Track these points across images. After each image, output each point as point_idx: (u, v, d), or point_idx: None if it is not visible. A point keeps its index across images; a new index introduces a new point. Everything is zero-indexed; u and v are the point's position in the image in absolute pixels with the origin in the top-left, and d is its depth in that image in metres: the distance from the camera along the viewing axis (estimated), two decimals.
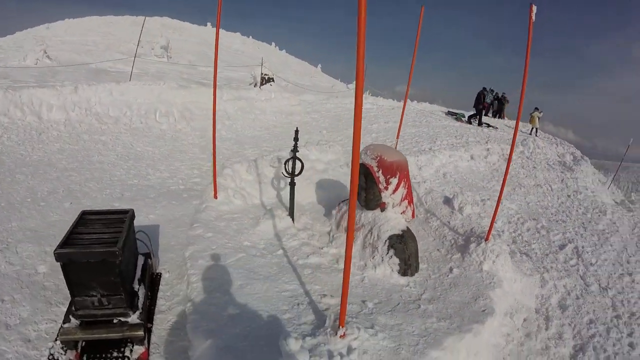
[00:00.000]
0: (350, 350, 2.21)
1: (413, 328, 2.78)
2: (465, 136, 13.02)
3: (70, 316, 2.52)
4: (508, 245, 5.02)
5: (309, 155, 6.01)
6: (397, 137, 6.58)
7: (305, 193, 5.34)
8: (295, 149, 3.98)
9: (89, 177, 6.18)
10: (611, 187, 10.88)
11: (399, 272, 3.39)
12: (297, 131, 3.98)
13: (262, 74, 17.47)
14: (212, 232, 3.94)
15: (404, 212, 3.81)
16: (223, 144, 9.43)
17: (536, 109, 16.68)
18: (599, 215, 7.02)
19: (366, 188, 3.66)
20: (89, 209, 3.11)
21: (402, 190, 3.67)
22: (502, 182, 4.02)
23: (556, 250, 5.66)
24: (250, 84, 16.85)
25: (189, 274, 3.33)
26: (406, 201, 3.81)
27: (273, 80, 17.73)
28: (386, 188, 3.55)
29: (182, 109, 10.80)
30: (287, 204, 4.82)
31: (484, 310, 3.10)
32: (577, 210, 7.34)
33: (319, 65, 34.41)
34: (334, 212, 4.38)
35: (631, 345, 3.63)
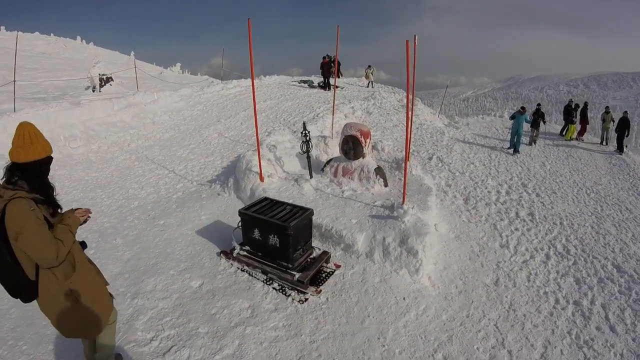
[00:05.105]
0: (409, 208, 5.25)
1: (416, 200, 5.93)
2: (330, 100, 16.51)
3: None
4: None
5: (278, 138, 8.33)
6: (333, 114, 9.30)
7: (291, 164, 7.60)
8: (306, 135, 6.45)
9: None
10: (440, 116, 16.32)
11: (384, 185, 6.48)
12: (304, 123, 6.43)
13: (99, 74, 16.49)
14: (312, 198, 5.93)
15: (372, 155, 6.88)
16: (152, 152, 9.75)
17: (369, 66, 21.49)
18: (441, 136, 11.57)
19: (354, 148, 6.53)
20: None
21: (370, 144, 6.69)
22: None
23: (428, 161, 9.69)
24: (87, 89, 16.07)
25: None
26: (372, 149, 6.88)
27: (112, 80, 17.19)
28: (366, 144, 6.50)
29: (85, 129, 10.50)
30: (296, 170, 7.27)
31: (429, 188, 6.51)
32: (427, 136, 11.75)
33: (132, 53, 31.40)
34: (326, 168, 7.05)
35: (489, 192, 7.72)
